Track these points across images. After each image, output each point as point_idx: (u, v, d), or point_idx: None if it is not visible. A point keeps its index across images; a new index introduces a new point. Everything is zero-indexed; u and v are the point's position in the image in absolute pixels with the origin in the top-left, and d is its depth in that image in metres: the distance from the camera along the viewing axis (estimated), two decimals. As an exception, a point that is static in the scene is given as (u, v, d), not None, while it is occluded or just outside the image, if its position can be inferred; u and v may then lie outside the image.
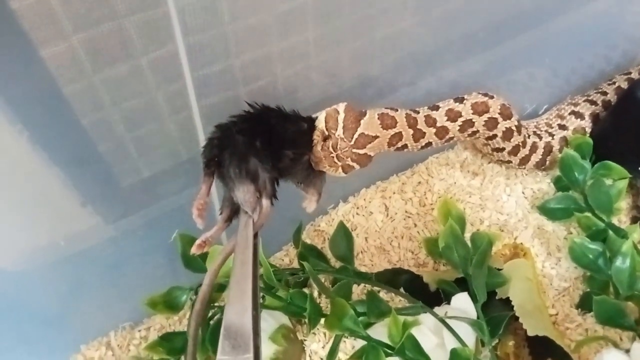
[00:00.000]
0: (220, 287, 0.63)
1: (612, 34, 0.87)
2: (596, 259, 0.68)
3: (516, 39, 0.76)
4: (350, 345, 0.68)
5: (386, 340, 0.58)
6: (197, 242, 0.51)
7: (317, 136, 0.56)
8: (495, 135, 0.69)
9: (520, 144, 0.74)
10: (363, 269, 0.74)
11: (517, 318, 0.61)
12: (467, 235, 0.67)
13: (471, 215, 0.80)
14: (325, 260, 0.71)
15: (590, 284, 0.72)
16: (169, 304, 0.63)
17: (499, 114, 0.66)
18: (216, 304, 0.64)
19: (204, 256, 0.63)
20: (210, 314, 0.63)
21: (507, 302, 0.63)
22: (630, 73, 0.87)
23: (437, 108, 0.64)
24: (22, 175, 0.52)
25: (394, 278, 0.69)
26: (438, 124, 0.63)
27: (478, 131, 0.66)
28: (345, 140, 0.56)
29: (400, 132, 0.60)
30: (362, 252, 0.78)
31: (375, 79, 0.69)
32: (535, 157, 0.79)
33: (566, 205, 0.77)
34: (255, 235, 0.50)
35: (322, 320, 0.62)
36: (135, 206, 0.63)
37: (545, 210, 0.79)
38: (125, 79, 0.50)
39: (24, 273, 0.61)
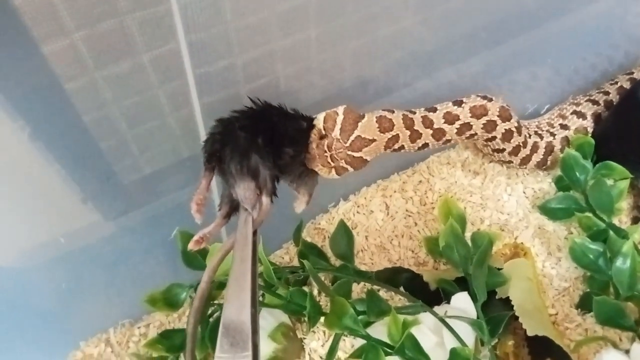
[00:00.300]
0: (220, 285, 0.63)
1: (614, 34, 0.86)
2: (596, 259, 0.68)
3: (518, 38, 0.76)
4: (349, 343, 0.68)
5: (386, 339, 0.58)
6: (195, 238, 0.51)
7: (314, 134, 0.57)
8: (494, 137, 0.69)
9: (521, 144, 0.74)
10: (363, 268, 0.74)
11: (516, 318, 0.61)
12: (468, 235, 0.67)
13: (472, 215, 0.80)
14: (326, 258, 0.71)
15: (591, 284, 0.72)
16: (168, 301, 0.63)
17: (497, 116, 0.66)
18: (216, 302, 0.64)
19: (204, 253, 0.63)
20: (210, 312, 0.63)
21: (507, 301, 0.62)
22: (632, 73, 0.87)
23: (434, 110, 0.64)
24: (22, 171, 0.52)
25: (394, 277, 0.69)
26: (435, 126, 0.63)
27: (476, 134, 0.66)
28: (340, 141, 0.56)
29: (398, 135, 0.60)
30: (362, 250, 0.78)
31: (377, 78, 0.69)
32: (537, 157, 0.79)
33: (567, 205, 0.77)
34: (255, 233, 0.50)
35: (322, 319, 0.62)
36: (136, 203, 0.63)
37: (546, 210, 0.79)
38: (127, 76, 0.50)
39: (23, 270, 0.61)
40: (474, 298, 0.63)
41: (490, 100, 0.65)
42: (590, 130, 0.83)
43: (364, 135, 0.57)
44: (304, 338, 0.69)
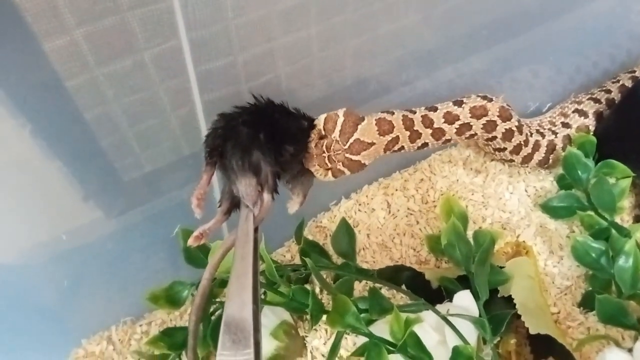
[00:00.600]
0: (221, 283, 0.63)
1: (616, 32, 0.86)
2: (599, 257, 0.68)
3: (520, 37, 0.76)
4: (351, 341, 0.68)
5: (388, 337, 0.58)
6: (195, 233, 0.51)
7: (313, 134, 0.57)
8: (495, 137, 0.69)
9: (522, 142, 0.74)
10: (365, 266, 0.74)
11: (519, 316, 0.61)
12: (470, 233, 0.67)
13: (473, 213, 0.80)
14: (327, 256, 0.71)
15: (593, 283, 0.71)
16: (170, 298, 0.63)
17: (497, 116, 0.66)
18: (217, 299, 0.64)
19: (205, 251, 0.63)
20: (211, 310, 0.63)
21: (509, 300, 0.62)
22: (634, 72, 0.87)
23: (435, 109, 0.63)
24: (23, 169, 0.52)
25: (395, 275, 0.69)
26: (435, 126, 0.63)
27: (476, 134, 0.66)
28: (339, 142, 0.56)
29: (397, 136, 0.60)
30: (364, 248, 0.77)
31: (378, 76, 0.69)
32: (538, 156, 0.79)
33: (569, 204, 0.77)
34: (256, 230, 0.50)
35: (324, 317, 0.62)
36: (137, 201, 0.63)
37: (548, 209, 0.79)
38: (128, 73, 0.50)
39: (25, 267, 0.61)
40: (476, 296, 0.62)
41: (491, 100, 0.65)
42: (592, 128, 0.83)
43: (363, 138, 0.57)
44: (306, 336, 0.69)
